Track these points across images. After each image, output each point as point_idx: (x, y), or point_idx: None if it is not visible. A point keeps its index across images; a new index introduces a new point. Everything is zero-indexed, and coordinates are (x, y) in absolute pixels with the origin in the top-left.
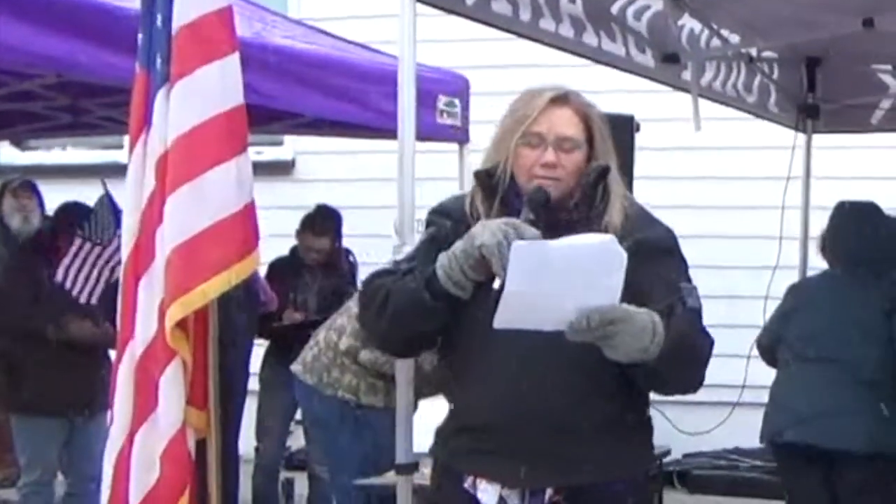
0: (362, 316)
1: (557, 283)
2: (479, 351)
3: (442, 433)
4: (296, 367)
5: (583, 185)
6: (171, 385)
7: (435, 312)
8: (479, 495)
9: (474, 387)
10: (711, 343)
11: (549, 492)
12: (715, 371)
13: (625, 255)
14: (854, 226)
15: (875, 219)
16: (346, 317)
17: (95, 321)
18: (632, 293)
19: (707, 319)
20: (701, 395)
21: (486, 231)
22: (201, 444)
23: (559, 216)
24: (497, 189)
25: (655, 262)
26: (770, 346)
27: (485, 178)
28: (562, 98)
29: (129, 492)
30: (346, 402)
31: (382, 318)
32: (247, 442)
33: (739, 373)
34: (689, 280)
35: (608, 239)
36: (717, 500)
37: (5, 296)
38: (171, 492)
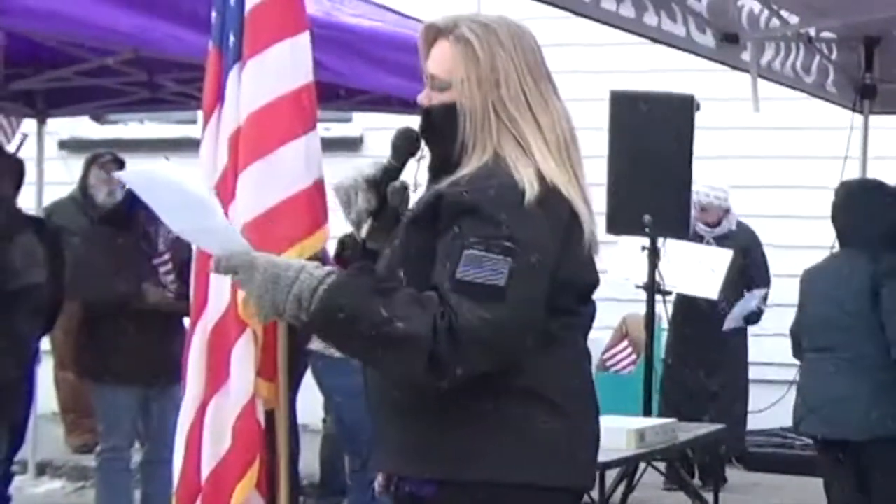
0: None
1: (180, 213)
2: None
3: None
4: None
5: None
6: (243, 357)
7: None
8: None
9: None
10: (432, 331)
11: (379, 477)
12: (772, 349)
13: (203, 196)
14: (847, 205)
15: (872, 196)
16: None
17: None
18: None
19: None
20: (758, 373)
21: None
22: (269, 416)
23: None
24: None
25: (453, 224)
26: (796, 336)
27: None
28: (440, 30)
29: (200, 462)
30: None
31: None
32: (314, 413)
33: None
34: (491, 248)
35: (181, 173)
36: (773, 478)
37: (85, 265)
38: (241, 462)
